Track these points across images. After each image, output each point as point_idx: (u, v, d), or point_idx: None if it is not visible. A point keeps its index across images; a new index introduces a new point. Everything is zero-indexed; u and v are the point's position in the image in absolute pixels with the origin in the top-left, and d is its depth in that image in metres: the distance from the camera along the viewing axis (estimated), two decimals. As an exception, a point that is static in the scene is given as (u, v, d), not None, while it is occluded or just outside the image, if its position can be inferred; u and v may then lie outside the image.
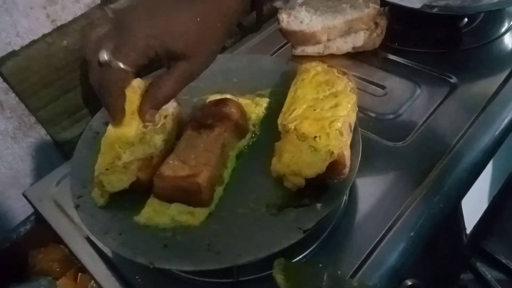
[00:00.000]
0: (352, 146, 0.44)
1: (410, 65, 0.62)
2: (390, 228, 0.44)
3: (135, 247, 0.39)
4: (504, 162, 0.56)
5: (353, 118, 0.44)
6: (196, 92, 0.54)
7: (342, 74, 0.47)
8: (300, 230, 0.38)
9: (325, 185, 0.41)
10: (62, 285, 0.56)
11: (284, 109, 0.47)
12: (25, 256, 0.63)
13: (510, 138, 0.53)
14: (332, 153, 0.39)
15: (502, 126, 0.52)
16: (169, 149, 0.47)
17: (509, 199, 0.59)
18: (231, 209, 0.42)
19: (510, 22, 0.65)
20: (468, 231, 0.50)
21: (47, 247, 0.63)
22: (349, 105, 0.44)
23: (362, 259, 0.42)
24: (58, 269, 0.59)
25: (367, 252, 0.42)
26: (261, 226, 0.40)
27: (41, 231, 0.63)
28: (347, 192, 0.45)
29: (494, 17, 0.66)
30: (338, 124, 0.42)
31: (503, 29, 0.64)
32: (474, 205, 0.51)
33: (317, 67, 0.48)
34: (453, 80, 0.58)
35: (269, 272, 0.41)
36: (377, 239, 0.43)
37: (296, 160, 0.40)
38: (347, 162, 0.40)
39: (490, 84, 0.56)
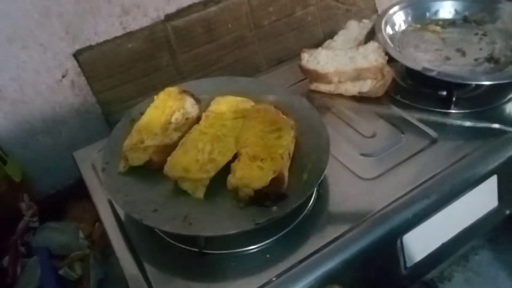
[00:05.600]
0: (316, 172, 0.55)
1: (403, 116, 0.71)
2: (337, 238, 0.54)
3: (134, 206, 0.53)
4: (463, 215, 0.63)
5: (292, 148, 0.57)
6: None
7: (285, 115, 0.60)
8: (253, 223, 0.50)
9: (285, 195, 0.53)
10: (83, 229, 0.72)
11: (238, 139, 0.59)
12: (64, 203, 0.80)
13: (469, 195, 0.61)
14: (274, 171, 0.52)
15: (455, 187, 0.60)
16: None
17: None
18: (212, 196, 0.55)
19: (504, 99, 0.72)
20: (409, 264, 0.58)
21: (81, 200, 0.79)
22: (289, 138, 0.57)
23: (308, 253, 0.52)
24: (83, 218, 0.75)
25: (315, 249, 0.53)
26: (228, 213, 0.53)
27: (80, 186, 0.79)
28: (299, 203, 0.54)
29: (490, 89, 0.73)
30: (280, 151, 0.54)
31: (496, 103, 0.71)
32: (420, 245, 0.59)
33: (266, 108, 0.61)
34: (434, 136, 0.66)
35: (229, 251, 0.54)
36: (325, 243, 0.53)
37: (247, 175, 0.52)
38: (286, 179, 0.53)
39: (464, 147, 0.64)
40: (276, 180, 0.52)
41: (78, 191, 0.80)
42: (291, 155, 0.57)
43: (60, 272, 0.70)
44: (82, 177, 0.68)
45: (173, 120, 0.63)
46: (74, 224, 0.74)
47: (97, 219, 0.74)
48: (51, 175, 0.82)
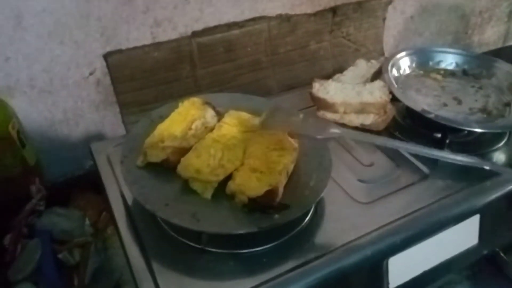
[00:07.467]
0: (316, 189, 0.60)
1: (400, 151, 0.77)
2: (328, 252, 0.58)
3: (148, 198, 0.57)
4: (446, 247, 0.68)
5: (291, 168, 0.62)
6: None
7: (292, 137, 0.65)
8: (256, 227, 0.55)
9: (287, 206, 0.58)
10: (89, 216, 0.75)
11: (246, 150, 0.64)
12: (70, 192, 0.84)
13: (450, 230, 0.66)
14: (270, 184, 0.57)
15: (440, 220, 0.65)
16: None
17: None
18: (219, 198, 0.59)
19: (492, 147, 0.78)
20: (391, 286, 0.63)
21: (87, 191, 0.83)
22: (290, 158, 0.62)
23: (300, 263, 0.56)
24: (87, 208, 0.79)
25: (307, 260, 0.57)
26: (234, 215, 0.57)
27: (88, 178, 0.83)
28: (299, 214, 0.58)
29: (480, 137, 0.79)
30: (279, 167, 0.60)
31: (484, 151, 0.78)
32: (404, 270, 0.64)
33: None
34: (426, 172, 0.72)
35: (229, 251, 0.58)
36: (317, 255, 0.57)
37: (244, 183, 0.58)
38: (280, 193, 0.58)
39: (452, 186, 0.69)
40: (270, 193, 0.57)
41: (85, 182, 0.85)
42: (288, 174, 0.62)
43: (59, 256, 0.73)
44: (97, 167, 0.73)
45: (193, 127, 0.68)
46: (80, 212, 0.77)
47: (102, 210, 0.78)
48: (62, 163, 0.86)
